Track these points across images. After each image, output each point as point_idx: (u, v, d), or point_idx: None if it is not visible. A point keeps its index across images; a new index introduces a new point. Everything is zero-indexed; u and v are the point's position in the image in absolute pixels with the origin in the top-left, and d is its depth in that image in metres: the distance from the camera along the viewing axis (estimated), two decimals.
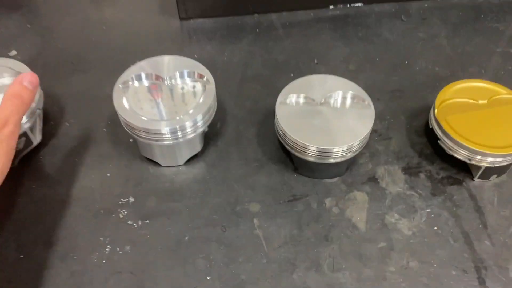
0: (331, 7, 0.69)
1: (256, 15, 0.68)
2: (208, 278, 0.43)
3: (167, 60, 0.51)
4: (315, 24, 0.66)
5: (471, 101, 0.51)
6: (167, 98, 0.49)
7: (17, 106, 0.42)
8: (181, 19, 0.67)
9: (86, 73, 0.60)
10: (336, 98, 0.49)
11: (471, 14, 0.68)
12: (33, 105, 0.49)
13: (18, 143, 0.49)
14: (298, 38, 0.65)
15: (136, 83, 0.50)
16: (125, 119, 0.47)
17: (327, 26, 0.66)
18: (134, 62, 0.60)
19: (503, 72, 0.60)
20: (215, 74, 0.59)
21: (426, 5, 0.69)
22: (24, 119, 0.48)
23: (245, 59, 0.62)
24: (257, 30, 0.66)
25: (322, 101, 0.49)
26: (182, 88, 0.50)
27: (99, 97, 0.57)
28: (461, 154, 0.48)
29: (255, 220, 0.47)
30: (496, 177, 0.50)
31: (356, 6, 0.69)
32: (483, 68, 0.61)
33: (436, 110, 0.50)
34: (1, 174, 0.39)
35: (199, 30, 0.66)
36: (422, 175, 0.50)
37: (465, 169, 0.51)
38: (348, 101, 0.49)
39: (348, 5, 0.69)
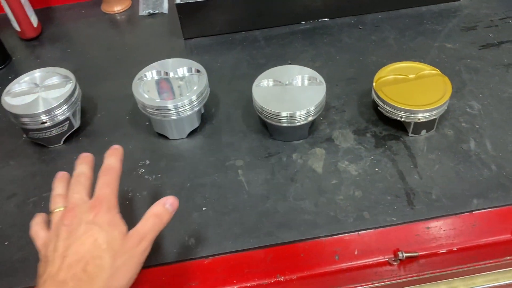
0: (303, 22, 0.86)
1: (243, 32, 0.86)
2: (204, 209, 0.58)
3: (171, 61, 0.69)
4: (289, 36, 0.84)
5: (402, 76, 0.66)
6: (172, 86, 0.66)
7: (156, 225, 0.45)
8: (185, 39, 0.86)
9: (112, 81, 0.79)
10: (297, 80, 0.65)
11: (416, 20, 0.84)
12: (73, 98, 0.67)
13: (62, 126, 0.67)
14: (276, 46, 0.82)
15: (149, 77, 0.67)
16: (142, 102, 0.64)
17: (299, 36, 0.84)
18: None
19: (438, 60, 0.76)
20: (211, 75, 0.76)
21: (379, 16, 0.86)
22: (66, 107, 0.66)
23: (234, 64, 0.80)
24: (244, 43, 0.84)
25: (287, 83, 0.65)
26: (183, 79, 0.67)
27: (122, 97, 0.74)
28: (394, 114, 0.63)
29: (239, 171, 0.62)
30: (426, 132, 0.64)
31: (323, 21, 0.86)
32: (422, 58, 0.76)
33: (374, 84, 0.65)
34: (128, 284, 0.42)
35: (198, 46, 0.84)
36: (368, 135, 0.65)
37: (403, 129, 0.65)
38: (306, 81, 0.65)
39: (316, 21, 0.86)
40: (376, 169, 0.61)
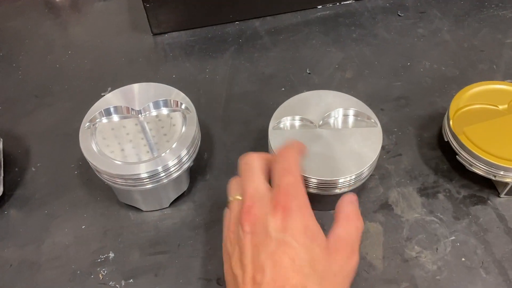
0: (319, 7, 0.62)
1: (237, 22, 0.61)
2: None
3: (137, 89, 0.44)
4: (303, 28, 0.60)
5: (489, 106, 0.45)
6: (143, 134, 0.42)
7: (360, 230, 0.34)
8: (154, 34, 0.60)
9: (52, 107, 0.54)
10: (336, 117, 0.43)
11: (474, 3, 0.62)
12: None
13: None
14: (286, 45, 0.58)
15: (104, 120, 0.43)
16: (95, 166, 0.40)
17: (317, 29, 0.60)
18: (105, 90, 0.54)
19: None
20: (197, 95, 0.53)
21: None
22: None
23: (229, 74, 0.56)
24: (240, 40, 0.59)
25: (321, 123, 0.42)
26: (159, 121, 0.43)
27: (68, 133, 0.50)
28: (484, 170, 0.42)
29: None
30: None
31: (347, 4, 0.62)
32: (494, 64, 0.55)
33: (451, 122, 0.43)
34: None
35: (175, 45, 0.59)
36: (441, 196, 0.44)
37: (489, 185, 0.45)
38: (351, 120, 0.43)
39: (337, 3, 0.62)
40: (463, 259, 0.40)
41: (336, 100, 0.44)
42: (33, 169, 0.48)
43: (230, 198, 0.36)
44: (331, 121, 0.43)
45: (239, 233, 0.33)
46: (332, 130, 0.42)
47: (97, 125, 0.43)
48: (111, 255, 0.42)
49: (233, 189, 0.37)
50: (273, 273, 0.30)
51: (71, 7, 0.66)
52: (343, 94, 0.44)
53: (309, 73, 0.55)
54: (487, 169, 0.42)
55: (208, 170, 0.47)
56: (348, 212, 0.34)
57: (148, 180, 0.40)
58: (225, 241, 0.35)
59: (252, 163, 0.36)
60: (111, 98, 0.44)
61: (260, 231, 0.32)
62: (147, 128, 0.43)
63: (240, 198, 0.35)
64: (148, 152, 0.41)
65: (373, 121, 0.42)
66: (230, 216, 0.35)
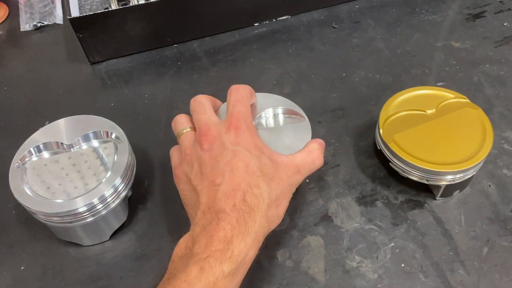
0: (256, 24, 0.63)
1: (175, 46, 0.61)
2: None
3: (64, 123, 0.44)
4: (241, 46, 0.60)
5: (418, 112, 0.46)
6: (75, 168, 0.42)
7: (312, 164, 0.40)
8: (92, 63, 0.60)
9: None
10: (267, 117, 0.44)
11: (405, 10, 0.63)
12: None
13: None
14: (225, 65, 0.59)
15: (34, 158, 0.42)
16: (28, 207, 0.39)
17: (254, 46, 0.60)
18: (43, 124, 0.53)
19: (447, 68, 0.56)
20: (136, 122, 0.53)
21: (356, 7, 0.64)
22: None
23: (168, 98, 0.56)
24: (179, 63, 0.59)
25: (255, 122, 0.43)
26: (91, 153, 0.43)
27: (3, 172, 0.49)
28: (417, 176, 0.43)
29: None
30: (459, 191, 0.45)
31: (283, 19, 0.63)
32: (426, 68, 0.56)
33: (381, 130, 0.44)
34: (283, 215, 0.38)
35: (113, 72, 0.59)
36: (379, 203, 0.45)
37: (424, 188, 0.46)
38: (281, 118, 0.43)
39: (274, 20, 0.63)
40: (403, 264, 0.41)
41: (265, 101, 0.44)
42: None
43: (180, 132, 0.41)
44: (263, 120, 0.43)
45: (198, 152, 0.38)
46: (266, 129, 0.42)
47: (27, 164, 0.42)
48: None
49: (179, 124, 0.41)
50: (230, 176, 0.35)
51: (6, 41, 0.65)
52: (270, 95, 0.45)
53: None
54: (420, 174, 0.43)
55: (149, 198, 0.47)
56: (313, 149, 0.40)
57: (85, 214, 0.39)
58: (179, 168, 0.40)
59: (202, 100, 0.41)
60: (40, 136, 0.43)
61: (218, 146, 0.37)
62: (78, 162, 0.42)
63: (189, 129, 0.40)
64: (82, 186, 0.40)
65: (300, 116, 0.43)
66: (183, 148, 0.39)
